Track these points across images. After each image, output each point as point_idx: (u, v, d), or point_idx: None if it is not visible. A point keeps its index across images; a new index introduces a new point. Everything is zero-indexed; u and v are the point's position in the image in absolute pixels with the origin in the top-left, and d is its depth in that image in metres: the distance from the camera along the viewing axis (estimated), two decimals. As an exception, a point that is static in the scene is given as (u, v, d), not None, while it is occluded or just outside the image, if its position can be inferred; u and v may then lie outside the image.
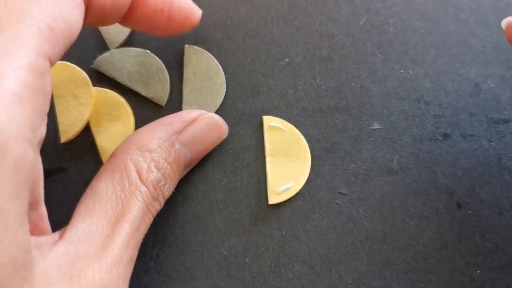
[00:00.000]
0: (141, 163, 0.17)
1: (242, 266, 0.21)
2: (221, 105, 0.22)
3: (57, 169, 0.22)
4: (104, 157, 0.22)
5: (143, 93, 0.22)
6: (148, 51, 0.22)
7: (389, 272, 0.20)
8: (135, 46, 0.23)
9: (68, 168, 0.22)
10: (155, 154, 0.18)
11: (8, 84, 0.13)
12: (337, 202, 0.21)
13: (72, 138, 0.22)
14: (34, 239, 0.14)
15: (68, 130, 0.21)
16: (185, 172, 0.21)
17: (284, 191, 0.21)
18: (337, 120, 0.22)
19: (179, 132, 0.19)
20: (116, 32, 0.23)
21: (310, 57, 0.23)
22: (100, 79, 0.22)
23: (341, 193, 0.21)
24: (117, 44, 0.23)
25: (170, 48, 0.23)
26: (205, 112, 0.21)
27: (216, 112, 0.22)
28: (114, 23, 0.19)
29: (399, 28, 0.23)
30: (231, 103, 0.22)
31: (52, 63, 0.14)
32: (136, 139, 0.18)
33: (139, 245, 0.17)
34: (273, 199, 0.21)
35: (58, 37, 0.14)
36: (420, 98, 0.22)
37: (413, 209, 0.21)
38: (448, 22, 0.23)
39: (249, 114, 0.22)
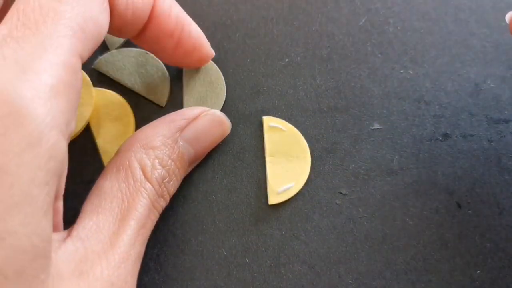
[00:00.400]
0: (145, 161, 0.18)
1: (242, 266, 0.21)
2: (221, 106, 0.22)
3: (57, 169, 0.22)
4: (104, 157, 0.22)
5: (143, 93, 0.22)
6: (148, 51, 0.22)
7: (389, 272, 0.20)
8: (136, 47, 0.23)
9: (68, 168, 0.22)
10: (158, 151, 0.18)
11: (46, 79, 0.13)
12: (337, 202, 0.21)
13: (72, 138, 0.22)
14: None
15: (68, 130, 0.21)
16: (189, 169, 0.21)
17: (284, 191, 0.21)
18: (337, 120, 0.22)
19: (182, 129, 0.19)
20: (116, 32, 0.23)
21: (310, 57, 0.23)
22: (101, 79, 0.22)
23: (341, 193, 0.21)
24: (117, 45, 0.23)
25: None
26: (207, 108, 0.21)
27: (216, 112, 0.22)
28: (130, 37, 0.19)
29: (399, 28, 0.23)
30: (231, 104, 0.22)
31: (82, 62, 0.15)
32: (139, 136, 0.18)
33: (146, 241, 0.17)
34: (273, 199, 0.21)
35: (88, 38, 0.15)
36: (420, 98, 0.22)
37: (413, 209, 0.21)
38: (448, 22, 0.23)
39: (249, 114, 0.22)
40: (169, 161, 0.18)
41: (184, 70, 0.22)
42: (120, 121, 0.22)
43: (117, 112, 0.22)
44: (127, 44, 0.23)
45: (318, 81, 0.22)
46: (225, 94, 0.22)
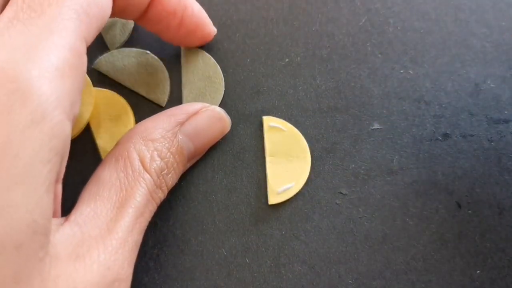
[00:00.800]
0: (144, 152, 0.18)
1: (242, 266, 0.21)
2: (221, 104, 0.22)
3: (57, 169, 0.22)
4: (104, 156, 0.22)
5: (143, 93, 0.22)
6: (148, 51, 0.22)
7: (389, 272, 0.20)
8: (136, 47, 0.23)
9: (68, 168, 0.22)
10: (158, 144, 0.18)
11: (52, 60, 0.14)
12: (337, 202, 0.21)
13: (72, 138, 0.22)
14: None
15: (68, 130, 0.21)
16: (188, 165, 0.21)
17: (284, 191, 0.21)
18: (337, 120, 0.22)
19: (182, 123, 0.19)
20: (116, 33, 0.23)
21: (310, 57, 0.23)
22: (100, 79, 0.22)
23: (341, 193, 0.21)
24: (117, 45, 0.23)
25: (170, 48, 0.23)
26: (207, 104, 0.21)
27: (216, 112, 0.22)
28: (133, 18, 0.19)
29: (399, 28, 0.23)
30: (231, 103, 0.22)
31: (88, 44, 0.15)
32: (139, 129, 0.19)
33: (143, 231, 0.17)
34: (273, 199, 0.21)
35: (92, 21, 0.15)
36: (420, 98, 0.22)
37: (413, 209, 0.21)
38: (448, 22, 0.23)
39: (249, 114, 0.22)
40: (168, 153, 0.18)
41: (182, 67, 0.22)
42: (120, 121, 0.22)
43: (117, 112, 0.22)
44: (127, 44, 0.23)
45: (318, 81, 0.22)
46: (224, 89, 0.22)
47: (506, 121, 0.22)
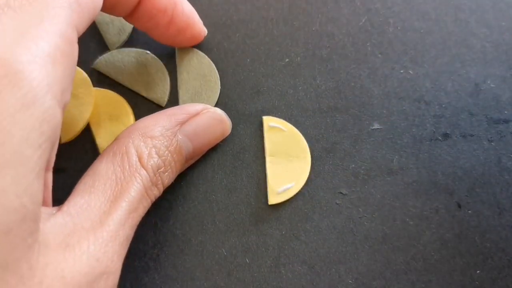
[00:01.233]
0: (142, 148, 0.18)
1: (242, 266, 0.21)
2: (221, 104, 0.22)
3: (57, 169, 0.22)
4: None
5: (143, 93, 0.22)
6: (148, 51, 0.22)
7: (389, 272, 0.20)
8: (136, 47, 0.23)
9: (68, 168, 0.22)
10: (156, 141, 0.18)
11: (43, 46, 0.14)
12: (337, 202, 0.21)
13: (72, 138, 0.22)
14: None
15: (68, 130, 0.21)
16: (186, 165, 0.21)
17: (284, 191, 0.21)
18: (337, 120, 0.22)
19: (182, 123, 0.19)
20: (116, 33, 0.23)
21: (310, 57, 0.23)
22: (100, 79, 0.22)
23: (341, 193, 0.21)
24: (117, 45, 0.23)
25: (170, 48, 0.23)
26: (209, 106, 0.21)
27: (216, 112, 0.22)
28: (123, 14, 0.19)
29: (399, 28, 0.23)
30: (231, 103, 0.22)
31: (78, 34, 0.15)
32: (139, 125, 0.19)
33: (135, 226, 0.17)
34: (273, 199, 0.21)
35: (83, 11, 0.15)
36: (420, 98, 0.22)
37: (413, 209, 0.21)
38: (448, 22, 0.23)
39: (249, 114, 0.22)
40: (166, 152, 0.18)
41: (177, 67, 0.22)
42: (120, 120, 0.22)
43: (117, 112, 0.22)
44: (127, 44, 0.23)
45: (318, 81, 0.22)
46: (220, 87, 0.22)
47: (506, 121, 0.22)
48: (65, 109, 0.15)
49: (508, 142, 0.22)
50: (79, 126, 0.21)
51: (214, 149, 0.22)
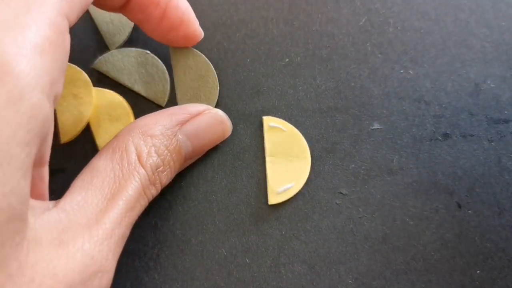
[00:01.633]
0: (142, 147, 0.18)
1: (242, 266, 0.21)
2: (220, 104, 0.22)
3: (57, 169, 0.22)
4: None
5: (143, 93, 0.22)
6: (148, 51, 0.22)
7: (389, 272, 0.20)
8: (136, 47, 0.23)
9: (68, 168, 0.22)
10: (156, 140, 0.18)
11: (30, 36, 0.13)
12: (337, 202, 0.21)
13: (72, 138, 0.22)
14: (30, 201, 0.14)
15: (68, 130, 0.21)
16: (186, 165, 0.21)
17: (284, 191, 0.21)
18: (337, 120, 0.22)
19: (183, 123, 0.19)
20: (116, 33, 0.23)
21: (310, 57, 0.23)
22: (100, 79, 0.22)
23: (341, 193, 0.21)
24: (117, 45, 0.23)
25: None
26: (211, 107, 0.21)
27: (216, 112, 0.22)
28: (116, 9, 0.19)
29: (399, 28, 0.23)
30: (231, 103, 0.22)
31: (71, 23, 0.15)
32: (139, 123, 0.19)
33: (131, 225, 0.17)
34: (273, 199, 0.21)
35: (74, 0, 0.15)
36: (420, 98, 0.22)
37: (413, 209, 0.21)
38: (448, 22, 0.23)
39: (249, 114, 0.22)
40: (166, 151, 0.18)
41: (173, 67, 0.22)
42: (120, 121, 0.22)
43: (117, 112, 0.22)
44: (127, 44, 0.23)
45: (318, 81, 0.22)
46: (218, 88, 0.22)
47: (506, 121, 0.22)
48: (57, 101, 0.15)
49: (508, 142, 0.22)
50: (79, 126, 0.21)
51: (214, 149, 0.22)
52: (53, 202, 0.16)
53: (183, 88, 0.22)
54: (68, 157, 0.22)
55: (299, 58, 0.23)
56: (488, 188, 0.21)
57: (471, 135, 0.22)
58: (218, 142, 0.22)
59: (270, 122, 0.22)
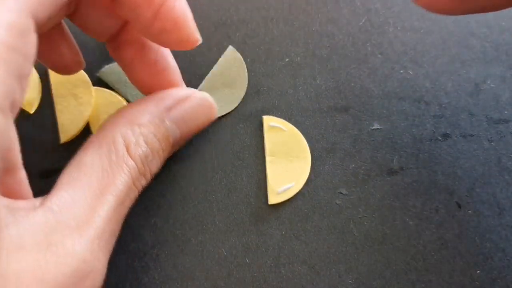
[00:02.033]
0: (130, 137, 0.17)
1: (242, 266, 0.21)
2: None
3: (57, 169, 0.21)
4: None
5: None
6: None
7: (389, 272, 0.20)
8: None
9: (68, 168, 0.22)
10: (144, 129, 0.18)
11: None
12: (337, 202, 0.21)
13: (72, 138, 0.22)
14: (8, 201, 0.14)
15: (68, 130, 0.21)
16: (172, 152, 0.20)
17: (284, 191, 0.21)
18: (337, 120, 0.22)
19: (170, 109, 0.19)
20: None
21: (310, 57, 0.23)
22: (100, 79, 0.22)
23: (341, 193, 0.21)
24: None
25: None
26: (195, 90, 0.20)
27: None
28: (103, 10, 0.18)
29: (399, 28, 0.23)
30: (231, 103, 0.22)
31: (38, 23, 0.13)
32: (126, 113, 0.18)
33: (122, 220, 0.17)
34: (273, 199, 0.21)
35: None
36: (420, 98, 0.22)
37: (413, 209, 0.21)
38: (448, 22, 0.23)
39: (249, 114, 0.22)
40: (154, 139, 0.18)
41: (217, 63, 0.22)
42: (120, 121, 0.22)
43: (117, 112, 0.22)
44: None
45: (318, 81, 0.22)
46: (237, 104, 0.22)
47: (506, 121, 0.22)
48: (16, 108, 0.13)
49: (508, 142, 0.22)
50: (79, 126, 0.21)
51: (214, 149, 0.22)
52: (39, 199, 0.15)
53: (208, 84, 0.22)
54: (68, 157, 0.22)
55: (299, 58, 0.23)
56: (488, 188, 0.21)
57: (471, 135, 0.22)
58: (204, 127, 0.21)
59: (270, 121, 0.22)
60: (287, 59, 0.23)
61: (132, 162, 0.17)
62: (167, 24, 0.17)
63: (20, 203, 0.14)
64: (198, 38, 0.18)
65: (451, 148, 0.22)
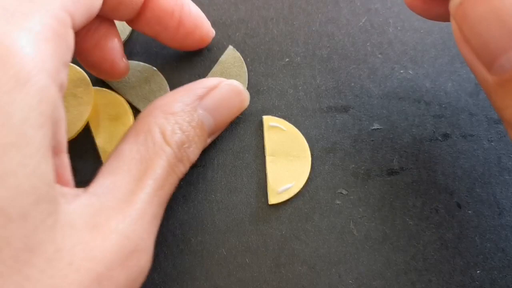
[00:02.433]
0: (165, 125, 0.18)
1: (242, 266, 0.21)
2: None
3: (57, 169, 0.22)
4: (103, 156, 0.22)
5: (141, 109, 0.22)
6: (155, 68, 0.22)
7: (389, 272, 0.20)
8: (135, 47, 0.23)
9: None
10: (178, 117, 0.18)
11: (33, 23, 0.13)
12: (337, 202, 0.21)
13: (71, 137, 0.22)
14: (58, 187, 0.14)
15: (68, 130, 0.21)
16: (209, 141, 0.21)
17: (284, 191, 0.21)
18: (337, 120, 0.22)
19: (201, 97, 0.19)
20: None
21: (310, 57, 0.23)
22: (100, 79, 0.22)
23: (341, 193, 0.21)
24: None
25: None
26: (225, 79, 0.21)
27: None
28: (127, 18, 0.19)
29: (399, 28, 0.23)
30: (231, 103, 0.22)
31: (74, 24, 0.15)
32: (158, 103, 0.19)
33: (164, 204, 0.17)
34: (273, 199, 0.21)
35: (80, 0, 0.15)
36: (420, 98, 0.22)
37: (413, 209, 0.21)
38: (448, 22, 0.23)
39: (249, 113, 0.22)
40: (189, 127, 0.18)
41: (218, 62, 0.22)
42: (119, 120, 0.22)
43: (116, 112, 0.22)
44: (127, 43, 0.23)
45: (318, 81, 0.22)
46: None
47: (506, 121, 0.22)
48: (62, 92, 0.15)
49: (508, 142, 0.22)
50: (79, 126, 0.21)
51: (214, 149, 0.22)
52: (81, 189, 0.16)
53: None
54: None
55: (299, 58, 0.23)
56: (488, 188, 0.21)
57: (471, 135, 0.22)
58: (238, 113, 0.21)
59: (270, 121, 0.22)
60: (287, 59, 0.23)
61: (169, 148, 0.17)
62: (190, 27, 0.21)
63: (66, 189, 0.15)
64: (213, 31, 0.22)
65: (451, 148, 0.22)
